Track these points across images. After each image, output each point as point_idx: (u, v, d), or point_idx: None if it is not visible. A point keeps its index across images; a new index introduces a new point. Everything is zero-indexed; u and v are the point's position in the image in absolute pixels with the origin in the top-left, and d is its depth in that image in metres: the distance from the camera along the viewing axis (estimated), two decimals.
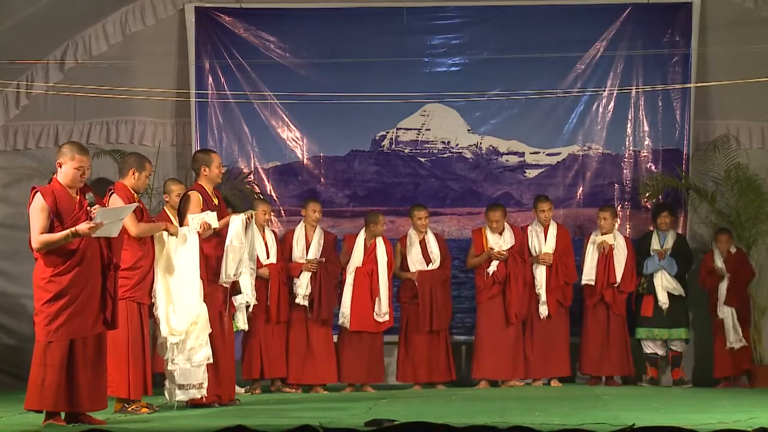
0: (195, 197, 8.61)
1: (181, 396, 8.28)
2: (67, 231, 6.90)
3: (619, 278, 11.09)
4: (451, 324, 11.26)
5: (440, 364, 10.85)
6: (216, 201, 8.78)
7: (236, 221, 8.62)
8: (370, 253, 10.75)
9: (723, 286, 11.08)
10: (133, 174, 8.22)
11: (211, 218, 8.43)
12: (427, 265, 10.90)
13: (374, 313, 10.62)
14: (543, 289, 10.96)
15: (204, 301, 8.44)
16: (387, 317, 10.68)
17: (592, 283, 11.11)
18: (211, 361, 8.40)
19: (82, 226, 6.89)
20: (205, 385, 8.37)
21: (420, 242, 10.96)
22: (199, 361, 8.30)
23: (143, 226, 8.07)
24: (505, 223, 11.02)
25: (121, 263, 7.44)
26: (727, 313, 11.05)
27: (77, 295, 6.97)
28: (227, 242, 8.58)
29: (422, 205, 11.08)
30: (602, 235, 11.19)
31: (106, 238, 7.10)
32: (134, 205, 7.42)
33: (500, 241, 10.94)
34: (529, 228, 11.20)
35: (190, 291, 8.29)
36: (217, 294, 8.68)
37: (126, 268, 7.80)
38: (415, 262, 10.92)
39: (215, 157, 8.86)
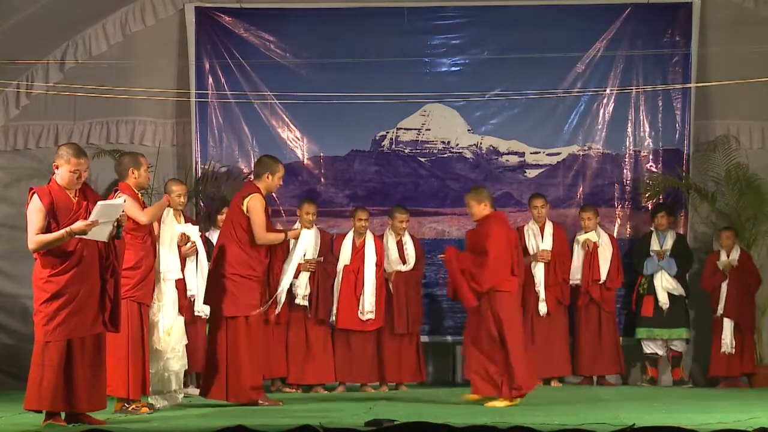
0: (262, 202, 8.72)
1: (158, 401, 8.37)
2: (63, 231, 6.90)
3: (603, 275, 11.07)
4: (450, 324, 11.20)
5: (410, 364, 10.76)
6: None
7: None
8: (358, 251, 10.70)
9: (723, 289, 11.03)
10: (133, 173, 8.27)
11: (192, 231, 8.52)
12: (403, 265, 10.86)
13: (358, 311, 10.57)
14: (542, 287, 10.95)
15: (234, 300, 8.58)
16: (372, 315, 10.55)
17: (579, 282, 11.11)
18: (186, 368, 8.62)
19: (78, 225, 6.89)
20: (180, 391, 8.54)
21: (397, 243, 10.89)
22: (175, 370, 8.43)
23: (150, 210, 8.17)
24: None
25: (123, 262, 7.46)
26: (726, 324, 11.02)
27: (75, 296, 6.97)
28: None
29: (404, 208, 10.97)
30: (585, 234, 11.19)
31: (109, 241, 7.10)
32: (122, 200, 7.36)
33: None
34: (525, 228, 11.16)
35: (172, 301, 8.43)
36: (254, 293, 8.75)
37: (127, 267, 7.79)
38: (392, 262, 10.80)
39: (281, 168, 8.97)
